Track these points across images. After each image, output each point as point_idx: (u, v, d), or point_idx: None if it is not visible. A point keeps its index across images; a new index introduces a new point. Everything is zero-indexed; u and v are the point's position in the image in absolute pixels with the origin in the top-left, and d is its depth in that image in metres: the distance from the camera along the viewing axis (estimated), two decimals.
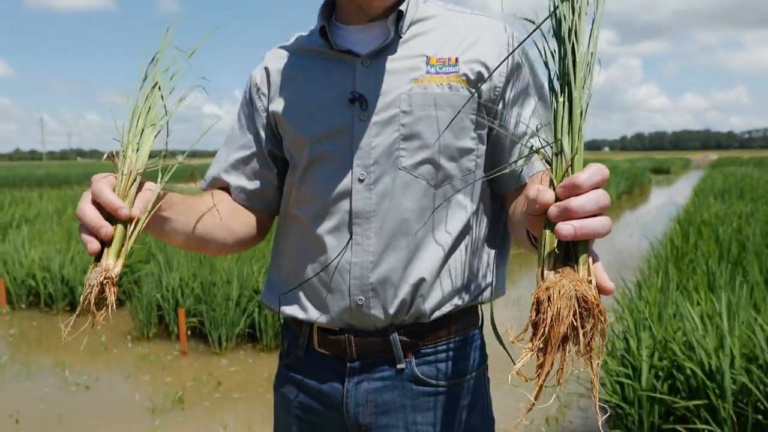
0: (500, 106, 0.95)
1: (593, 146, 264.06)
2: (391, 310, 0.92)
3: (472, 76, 0.93)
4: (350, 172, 0.91)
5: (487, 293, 0.99)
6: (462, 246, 0.96)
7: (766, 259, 3.75)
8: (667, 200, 15.86)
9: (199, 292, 4.34)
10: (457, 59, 0.93)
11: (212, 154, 1.15)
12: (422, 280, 0.92)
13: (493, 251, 1.01)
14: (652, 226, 10.07)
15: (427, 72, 0.92)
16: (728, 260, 3.92)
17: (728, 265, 3.75)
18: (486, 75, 0.93)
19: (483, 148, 0.96)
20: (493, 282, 0.99)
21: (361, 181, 0.91)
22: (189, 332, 4.35)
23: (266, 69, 1.03)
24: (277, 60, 1.03)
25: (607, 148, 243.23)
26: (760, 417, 2.40)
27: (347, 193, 0.92)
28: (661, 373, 2.63)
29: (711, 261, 3.89)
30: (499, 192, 1.01)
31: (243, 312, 4.27)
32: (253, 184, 1.05)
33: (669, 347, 2.65)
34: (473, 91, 0.92)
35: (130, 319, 4.68)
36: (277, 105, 1.00)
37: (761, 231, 5.07)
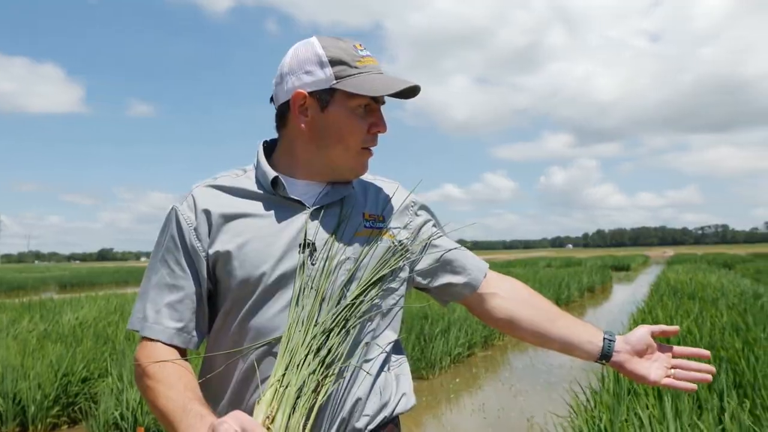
0: (419, 248, 1.20)
1: (556, 243, 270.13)
2: (333, 429, 1.04)
3: (395, 231, 1.16)
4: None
5: (403, 403, 1.15)
6: (385, 367, 1.13)
7: (712, 360, 3.93)
8: (628, 298, 16.23)
9: None
10: (383, 217, 1.16)
11: None
12: (359, 399, 1.06)
13: (401, 368, 1.19)
14: (613, 325, 10.27)
15: (365, 226, 1.13)
16: None
17: None
18: (402, 228, 1.18)
19: (404, 288, 1.17)
20: (406, 393, 1.16)
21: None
22: None
23: (204, 210, 1.07)
24: (212, 200, 1.08)
25: (570, 245, 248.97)
26: None
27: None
28: None
29: None
30: (451, 300, 1.25)
31: None
32: (191, 324, 1.06)
33: None
34: (397, 242, 1.15)
35: None
36: (221, 246, 1.05)
37: (708, 332, 5.29)
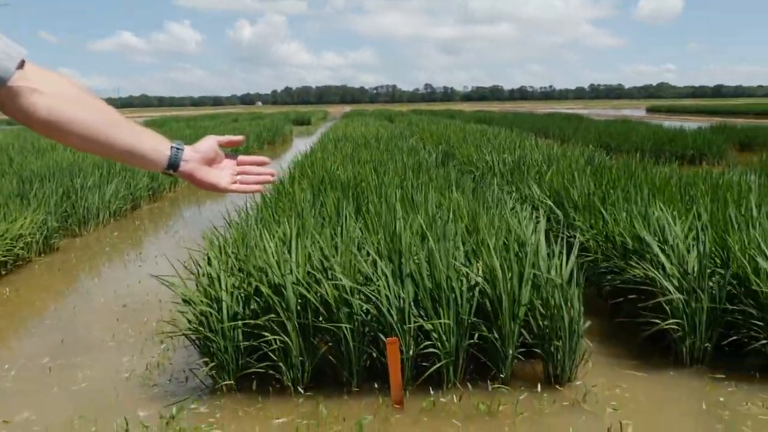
0: None
1: (246, 100, 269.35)
2: None
3: None
4: None
5: None
6: None
7: (341, 189, 4.39)
8: (306, 147, 17.25)
9: None
10: None
11: None
12: None
13: None
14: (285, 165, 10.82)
15: None
16: (316, 195, 4.45)
17: (314, 198, 4.27)
18: None
19: None
20: None
21: None
22: None
23: None
24: None
25: (260, 103, 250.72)
26: (321, 320, 2.81)
27: None
28: (242, 298, 2.86)
29: (302, 195, 4.37)
30: None
31: None
32: None
33: (247, 273, 2.88)
34: None
35: None
36: None
37: (353, 168, 5.91)
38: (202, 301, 2.81)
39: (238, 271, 2.93)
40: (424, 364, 2.83)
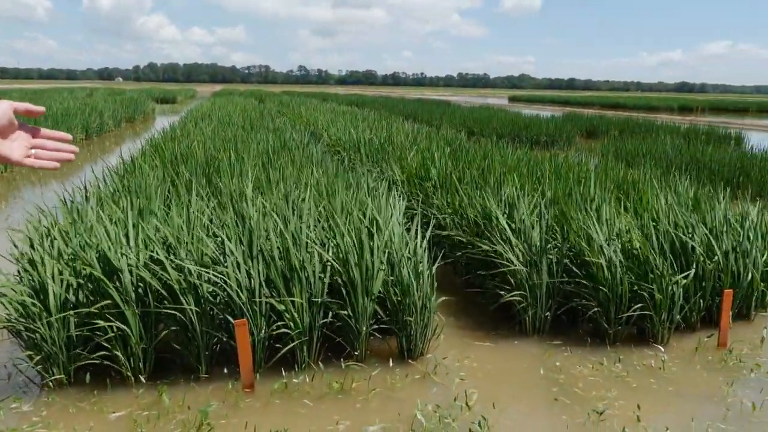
0: None
1: (105, 75, 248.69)
2: None
3: None
4: None
5: None
6: None
7: (196, 168, 4.15)
8: (169, 126, 16.27)
9: None
10: None
11: None
12: None
13: None
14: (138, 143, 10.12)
15: None
16: (168, 174, 4.17)
17: (164, 177, 3.99)
18: None
19: None
20: None
21: None
22: None
23: None
24: None
25: (119, 78, 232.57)
26: (166, 305, 2.62)
27: None
28: (74, 285, 2.59)
29: (152, 173, 4.07)
30: None
31: None
32: None
33: (78, 257, 2.61)
34: None
35: None
36: None
37: (214, 148, 5.62)
38: (22, 291, 2.51)
39: (69, 255, 2.65)
40: (277, 345, 2.75)
